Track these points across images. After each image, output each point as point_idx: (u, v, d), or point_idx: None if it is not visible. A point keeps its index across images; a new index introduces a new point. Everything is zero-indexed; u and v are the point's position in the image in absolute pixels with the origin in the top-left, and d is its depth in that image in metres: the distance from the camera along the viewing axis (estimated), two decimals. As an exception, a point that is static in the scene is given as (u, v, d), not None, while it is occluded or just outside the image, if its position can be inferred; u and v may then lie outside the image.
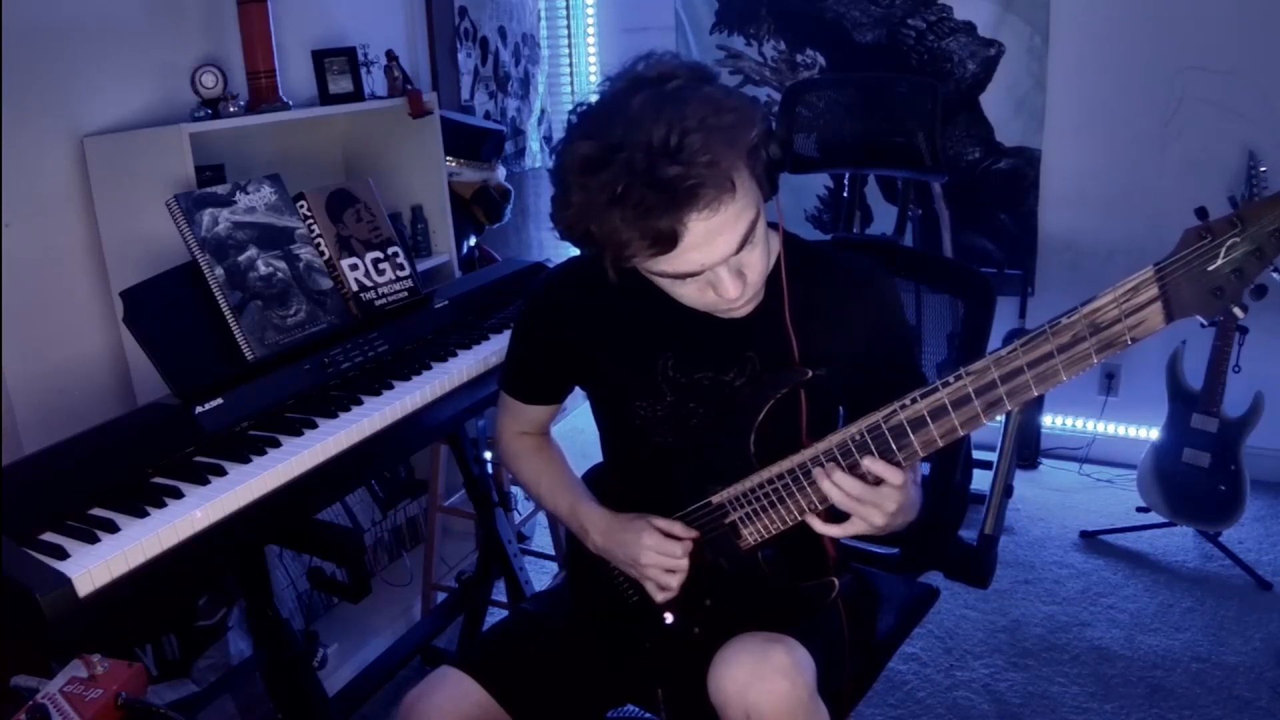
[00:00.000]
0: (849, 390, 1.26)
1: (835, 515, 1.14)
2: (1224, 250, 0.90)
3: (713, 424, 1.25)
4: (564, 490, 1.39)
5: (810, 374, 1.17)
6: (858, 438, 1.09)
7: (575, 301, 1.31)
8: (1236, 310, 0.91)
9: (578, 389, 1.41)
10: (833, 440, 1.11)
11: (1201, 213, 0.92)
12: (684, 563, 1.23)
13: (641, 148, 0.98)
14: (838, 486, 1.09)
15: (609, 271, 1.08)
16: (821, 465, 1.11)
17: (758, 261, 1.11)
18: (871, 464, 1.08)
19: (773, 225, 1.23)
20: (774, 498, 1.17)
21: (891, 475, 1.07)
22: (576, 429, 1.46)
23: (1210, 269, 0.90)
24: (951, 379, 1.02)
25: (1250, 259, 0.89)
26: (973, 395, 1.01)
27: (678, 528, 1.24)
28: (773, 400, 1.18)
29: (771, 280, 1.20)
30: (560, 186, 1.07)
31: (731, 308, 1.13)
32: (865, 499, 1.09)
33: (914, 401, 1.05)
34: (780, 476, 1.15)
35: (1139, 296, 0.93)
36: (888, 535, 1.15)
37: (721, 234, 1.03)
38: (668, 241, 1.02)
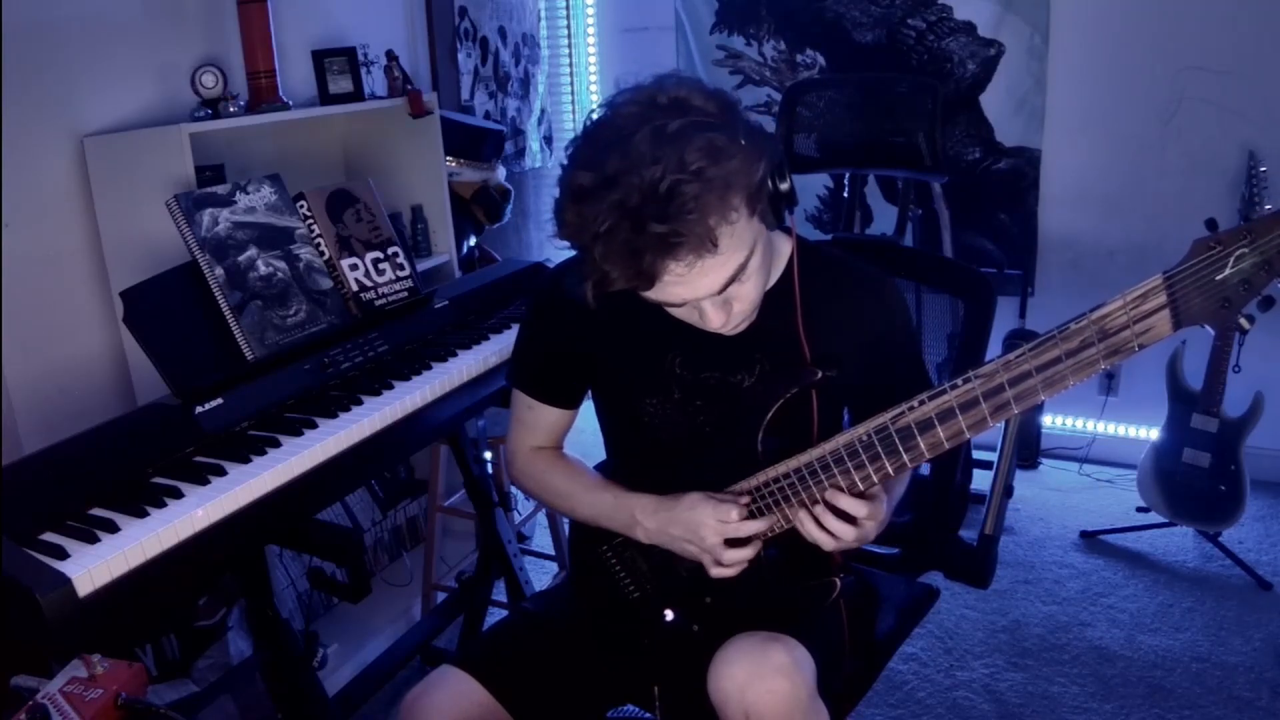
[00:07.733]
0: (854, 392, 1.26)
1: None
2: (1232, 261, 0.90)
3: (718, 422, 1.25)
4: (602, 489, 1.34)
5: (821, 374, 1.17)
6: (865, 439, 1.09)
7: (583, 297, 1.30)
8: (1243, 322, 0.91)
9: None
10: (840, 441, 1.11)
11: (1211, 224, 0.93)
12: (749, 526, 1.19)
13: (635, 189, 0.98)
14: (828, 531, 1.13)
15: (588, 296, 1.07)
16: (803, 505, 1.15)
17: (749, 293, 1.11)
18: (848, 503, 1.11)
19: (786, 230, 1.23)
20: (779, 496, 1.17)
21: (860, 507, 1.11)
22: (577, 429, 1.46)
23: (1219, 279, 0.90)
24: (960, 382, 1.02)
25: (1259, 270, 0.89)
26: (980, 399, 1.01)
27: (728, 497, 1.21)
28: (782, 399, 1.18)
29: (784, 284, 1.20)
30: (559, 198, 1.07)
31: (719, 331, 1.13)
32: (849, 536, 1.13)
33: (921, 404, 1.05)
34: (786, 475, 1.15)
35: (1147, 304, 0.93)
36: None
37: (706, 275, 1.04)
38: (646, 280, 1.02)
